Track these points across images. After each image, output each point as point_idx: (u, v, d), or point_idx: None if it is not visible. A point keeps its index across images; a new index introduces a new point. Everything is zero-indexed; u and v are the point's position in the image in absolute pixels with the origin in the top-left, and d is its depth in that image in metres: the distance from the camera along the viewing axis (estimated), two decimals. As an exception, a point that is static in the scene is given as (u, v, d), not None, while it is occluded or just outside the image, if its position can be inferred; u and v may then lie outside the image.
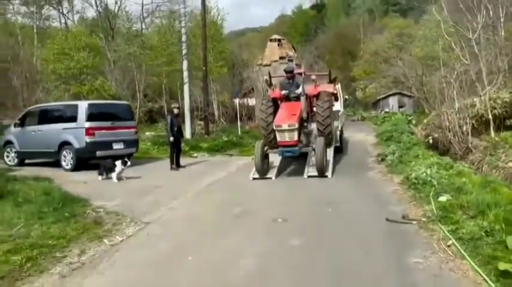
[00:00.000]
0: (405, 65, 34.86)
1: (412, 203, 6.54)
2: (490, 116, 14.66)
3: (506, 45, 23.34)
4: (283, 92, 10.70)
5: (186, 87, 17.90)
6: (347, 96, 22.80)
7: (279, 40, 30.08)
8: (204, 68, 18.74)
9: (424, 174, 7.61)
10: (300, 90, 10.31)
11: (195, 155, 14.94)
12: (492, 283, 3.42)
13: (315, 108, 10.78)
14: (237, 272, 4.08)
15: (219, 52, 25.40)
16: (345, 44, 59.98)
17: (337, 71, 52.73)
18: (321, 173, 9.17)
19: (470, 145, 13.96)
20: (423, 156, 10.42)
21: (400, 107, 39.86)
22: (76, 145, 11.30)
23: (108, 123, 11.72)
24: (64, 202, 7.22)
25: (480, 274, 3.61)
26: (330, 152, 10.37)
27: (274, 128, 9.54)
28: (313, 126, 10.93)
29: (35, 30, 34.83)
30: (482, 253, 3.98)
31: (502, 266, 3.47)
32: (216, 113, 25.01)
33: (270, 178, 9.60)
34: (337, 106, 14.67)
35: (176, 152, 11.72)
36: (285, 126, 9.38)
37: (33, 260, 4.63)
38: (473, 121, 15.13)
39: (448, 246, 4.40)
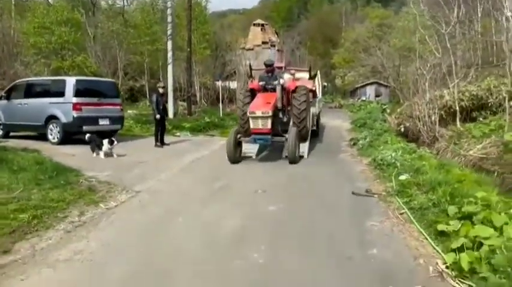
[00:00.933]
0: (384, 55, 35.85)
1: (376, 181, 7.37)
2: (457, 108, 15.65)
3: (480, 41, 24.46)
4: (261, 83, 10.73)
5: (170, 68, 18.21)
6: (325, 84, 23.53)
7: (262, 25, 30.49)
8: (188, 49, 19.07)
9: (390, 157, 8.44)
10: (282, 81, 10.31)
11: (178, 134, 15.43)
12: (431, 240, 4.22)
13: (292, 101, 10.69)
14: (223, 229, 4.78)
15: (202, 34, 25.64)
16: (327, 31, 60.72)
17: (318, 58, 53.71)
18: (293, 162, 9.19)
19: (437, 134, 14.96)
20: (391, 142, 11.26)
21: (377, 96, 41.00)
22: (63, 119, 11.61)
23: (94, 100, 12.04)
24: (57, 171, 7.68)
25: (422, 233, 4.42)
26: (306, 141, 10.91)
27: (248, 114, 9.56)
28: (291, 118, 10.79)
29: (13, 2, 33.99)
30: (427, 219, 4.78)
31: (440, 227, 4.26)
32: (197, 94, 25.38)
33: (251, 157, 10.25)
34: (317, 92, 15.39)
35: (160, 130, 12.16)
36: (258, 113, 9.39)
37: (38, 218, 5.16)
38: (442, 112, 16.15)
39: (401, 214, 5.21)
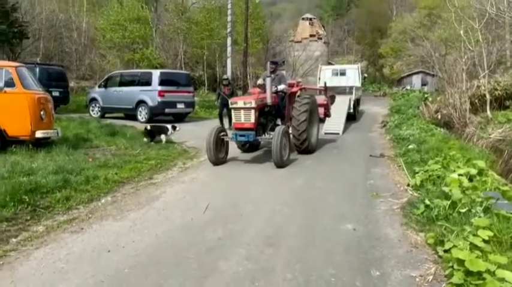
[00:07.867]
0: (432, 45, 36.77)
1: (391, 149, 9.80)
2: (488, 96, 17.31)
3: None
4: (259, 81, 9.46)
5: (229, 61, 21.10)
6: (365, 75, 25.43)
7: (311, 19, 32.51)
8: (245, 45, 21.86)
9: (407, 134, 10.76)
10: (281, 86, 9.16)
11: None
12: (410, 177, 6.68)
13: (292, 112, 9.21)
14: (278, 174, 7.53)
15: (255, 29, 28.33)
16: (376, 21, 61.14)
17: (366, 47, 54.61)
18: (279, 166, 7.73)
19: (467, 120, 16.82)
20: (416, 124, 13.40)
21: (423, 85, 41.76)
22: (150, 103, 14.77)
23: (174, 88, 15.13)
24: (157, 139, 10.77)
25: (406, 174, 6.91)
26: (342, 119, 13.06)
27: (230, 106, 8.66)
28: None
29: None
30: (413, 168, 7.21)
31: (417, 169, 6.72)
32: (250, 83, 28.23)
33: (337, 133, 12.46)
34: (356, 82, 17.73)
35: (228, 114, 14.56)
36: (240, 104, 8.22)
37: (160, 164, 8.13)
38: (476, 100, 17.88)
39: (398, 166, 7.68)
